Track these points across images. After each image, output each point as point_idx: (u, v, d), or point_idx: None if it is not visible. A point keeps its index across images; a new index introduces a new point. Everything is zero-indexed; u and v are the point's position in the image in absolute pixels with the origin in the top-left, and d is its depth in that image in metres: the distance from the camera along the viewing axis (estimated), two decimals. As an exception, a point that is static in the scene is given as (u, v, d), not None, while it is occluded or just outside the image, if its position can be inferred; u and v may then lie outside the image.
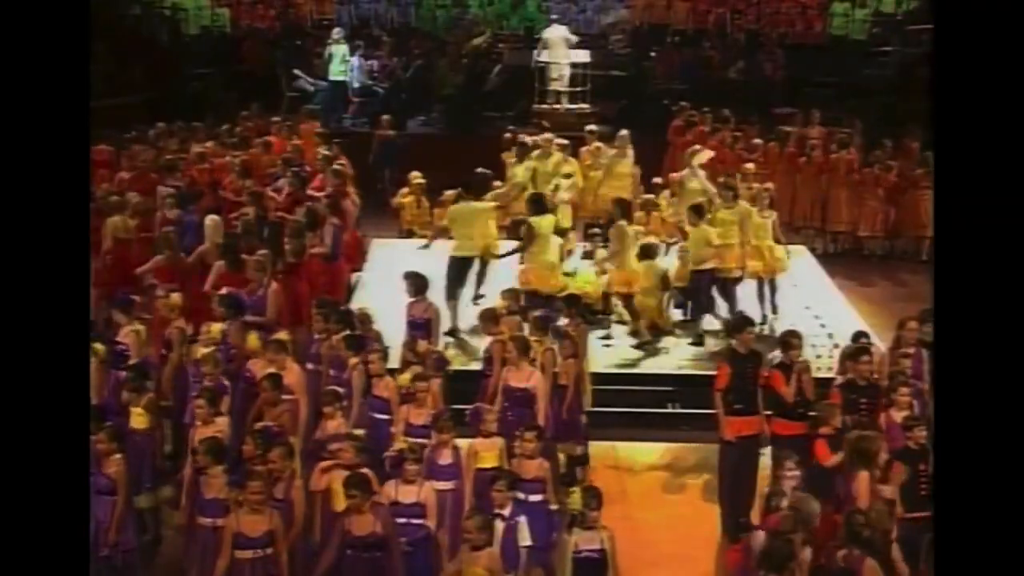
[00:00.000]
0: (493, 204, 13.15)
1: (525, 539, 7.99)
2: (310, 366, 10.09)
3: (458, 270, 12.69)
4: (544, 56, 19.93)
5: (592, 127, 16.49)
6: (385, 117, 19.17)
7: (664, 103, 20.86)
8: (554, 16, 22.92)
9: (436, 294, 12.06)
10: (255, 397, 9.38)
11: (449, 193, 13.94)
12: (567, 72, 19.86)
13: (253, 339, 10.02)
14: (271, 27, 25.09)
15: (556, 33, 20.21)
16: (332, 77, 21.49)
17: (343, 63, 21.37)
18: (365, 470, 8.00)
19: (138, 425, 9.25)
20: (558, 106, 19.84)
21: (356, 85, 21.72)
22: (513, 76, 21.44)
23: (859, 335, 10.79)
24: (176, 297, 10.85)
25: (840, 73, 22.50)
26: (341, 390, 9.33)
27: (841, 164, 17.34)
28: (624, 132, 15.56)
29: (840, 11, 24.55)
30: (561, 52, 19.86)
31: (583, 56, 20.07)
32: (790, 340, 9.91)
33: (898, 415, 9.08)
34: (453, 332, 12.53)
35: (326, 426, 9.04)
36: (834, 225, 17.44)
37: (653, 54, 23.37)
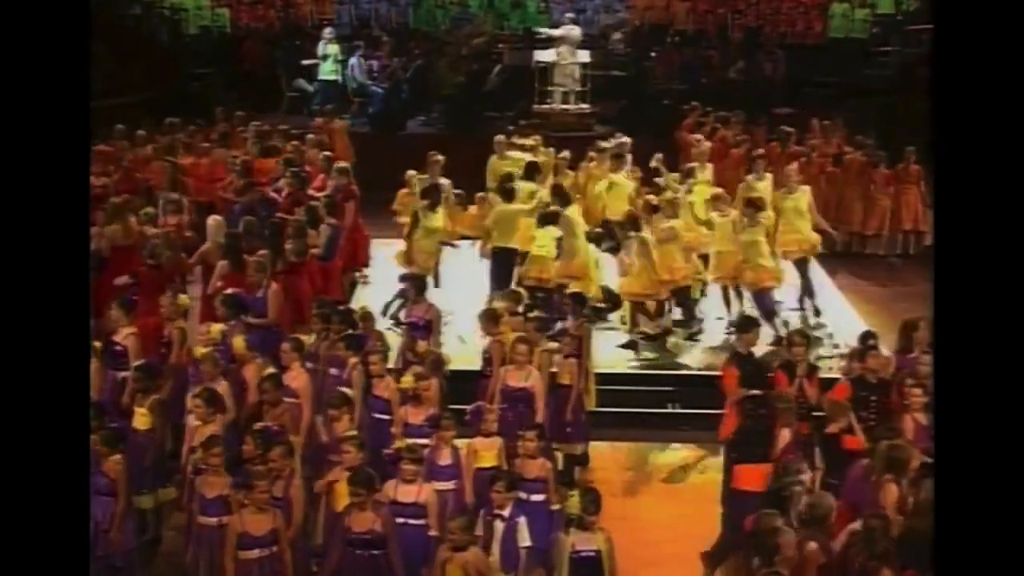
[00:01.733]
0: (528, 206, 13.32)
1: (525, 540, 7.99)
2: (310, 366, 10.09)
3: (505, 265, 13.05)
4: (554, 56, 19.89)
5: (603, 145, 16.20)
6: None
7: (665, 103, 20.86)
8: (568, 15, 22.82)
9: (434, 294, 12.11)
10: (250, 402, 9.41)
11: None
12: (578, 72, 19.88)
13: (239, 342, 10.01)
14: (271, 27, 25.11)
15: (573, 33, 20.19)
16: (323, 76, 21.45)
17: (335, 63, 21.33)
18: (368, 469, 8.02)
19: (141, 425, 9.25)
20: (565, 106, 19.83)
21: (355, 85, 21.73)
22: (513, 76, 21.44)
23: (867, 335, 10.71)
24: (184, 299, 10.86)
25: (840, 73, 22.50)
26: (350, 392, 9.33)
27: (854, 165, 17.32)
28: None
29: (840, 11, 24.55)
30: (575, 52, 19.87)
31: (583, 56, 20.08)
32: (795, 339, 9.90)
33: (923, 418, 8.96)
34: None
35: (333, 429, 9.03)
36: (846, 225, 17.35)
37: (653, 54, 23.36)
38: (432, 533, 7.99)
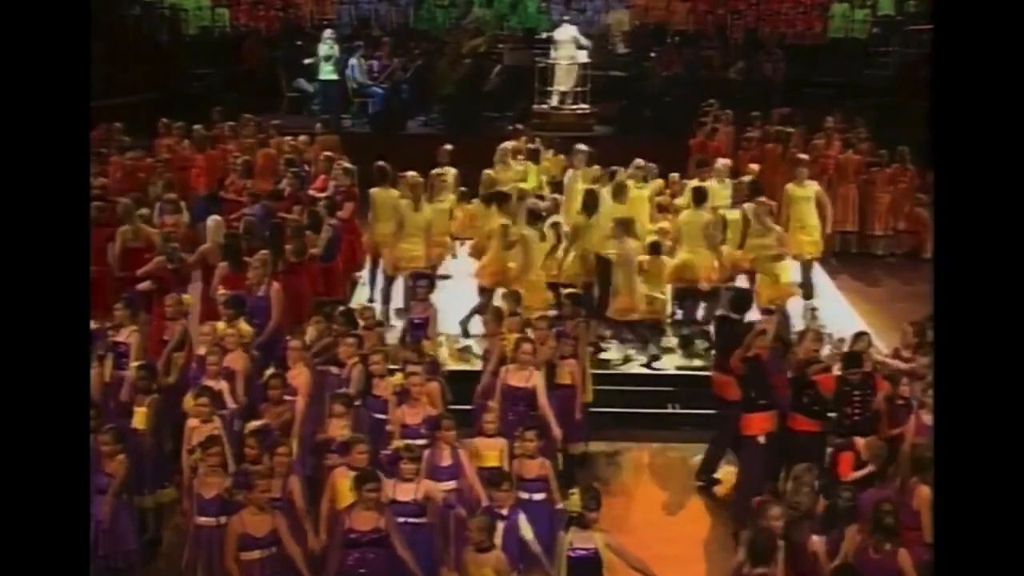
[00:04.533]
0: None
1: (527, 532, 7.97)
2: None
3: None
4: (553, 56, 19.91)
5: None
6: None
7: (666, 100, 20.86)
8: (565, 17, 22.87)
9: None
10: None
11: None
12: (576, 72, 19.88)
13: (221, 327, 10.01)
14: (271, 27, 25.13)
15: (566, 34, 20.20)
16: (320, 77, 21.46)
17: (331, 64, 21.31)
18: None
19: (140, 425, 9.25)
20: (562, 107, 19.83)
21: (355, 85, 21.73)
22: (513, 76, 21.45)
23: (859, 335, 10.72)
24: (188, 298, 10.87)
25: (840, 73, 22.55)
26: (353, 394, 9.32)
27: (851, 164, 17.32)
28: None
29: (840, 11, 24.58)
30: (570, 52, 19.87)
31: (583, 56, 20.09)
32: (809, 337, 9.95)
33: (928, 418, 8.96)
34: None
35: (330, 427, 9.03)
36: (843, 225, 17.33)
37: (653, 54, 23.39)
38: (429, 523, 7.98)
